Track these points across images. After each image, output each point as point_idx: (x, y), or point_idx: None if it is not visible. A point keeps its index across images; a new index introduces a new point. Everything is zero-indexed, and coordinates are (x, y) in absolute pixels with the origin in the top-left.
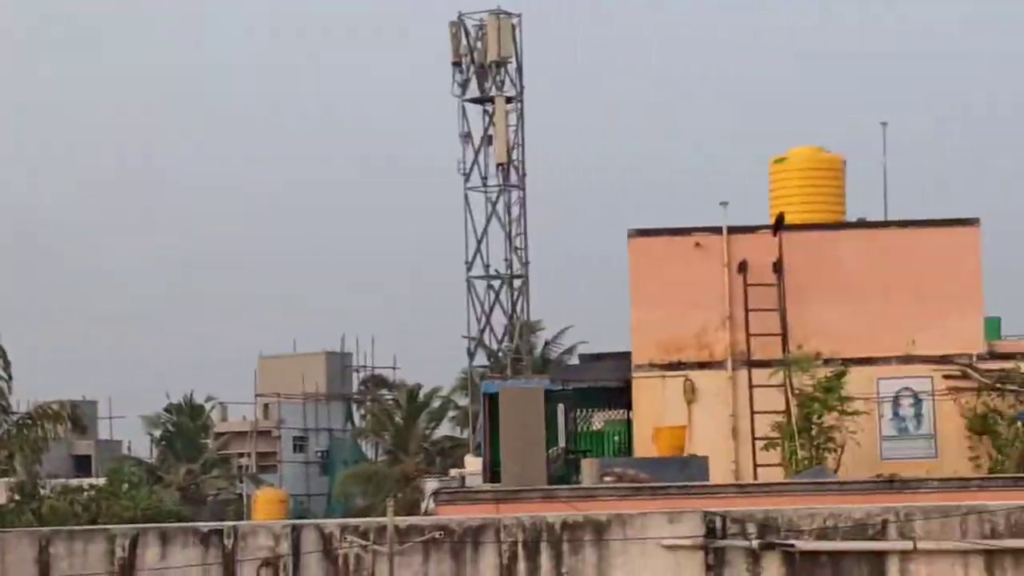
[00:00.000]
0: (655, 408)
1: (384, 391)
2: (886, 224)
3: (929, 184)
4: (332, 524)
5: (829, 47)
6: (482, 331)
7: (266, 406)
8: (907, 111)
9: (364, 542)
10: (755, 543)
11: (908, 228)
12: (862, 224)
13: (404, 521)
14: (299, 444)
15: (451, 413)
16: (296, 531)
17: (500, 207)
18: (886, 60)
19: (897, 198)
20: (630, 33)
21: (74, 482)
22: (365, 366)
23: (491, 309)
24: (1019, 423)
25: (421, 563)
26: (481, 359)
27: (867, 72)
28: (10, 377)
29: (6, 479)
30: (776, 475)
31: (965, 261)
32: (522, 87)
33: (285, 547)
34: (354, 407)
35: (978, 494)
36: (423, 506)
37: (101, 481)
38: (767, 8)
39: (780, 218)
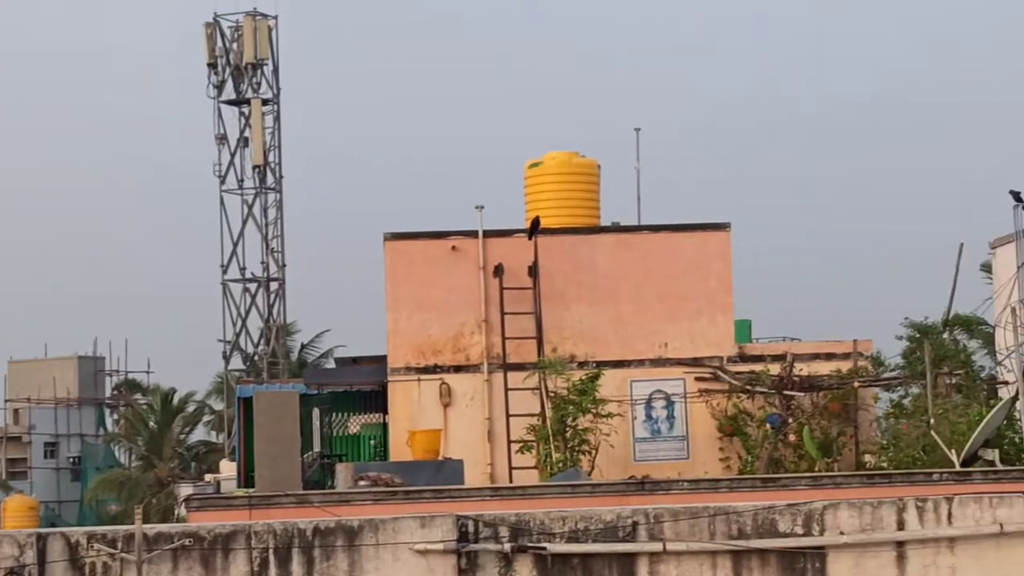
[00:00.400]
0: (411, 411)
1: (138, 396)
2: (639, 228)
3: (683, 189)
4: (79, 532)
5: (589, 50)
6: (238, 335)
7: (16, 411)
8: (660, 116)
9: (112, 550)
10: (507, 546)
11: (661, 232)
12: (616, 228)
13: (153, 528)
14: (50, 450)
15: (206, 417)
16: (42, 540)
17: (256, 210)
18: (640, 64)
19: (651, 203)
20: (388, 35)
21: None
22: (118, 370)
23: (247, 312)
24: (768, 425)
25: (170, 571)
26: (237, 363)
27: (622, 77)
28: None
29: None
30: (531, 478)
31: (716, 265)
32: (279, 89)
33: (30, 556)
34: (107, 412)
35: (728, 495)
36: (176, 512)
37: None
38: (537, 9)
39: (535, 222)
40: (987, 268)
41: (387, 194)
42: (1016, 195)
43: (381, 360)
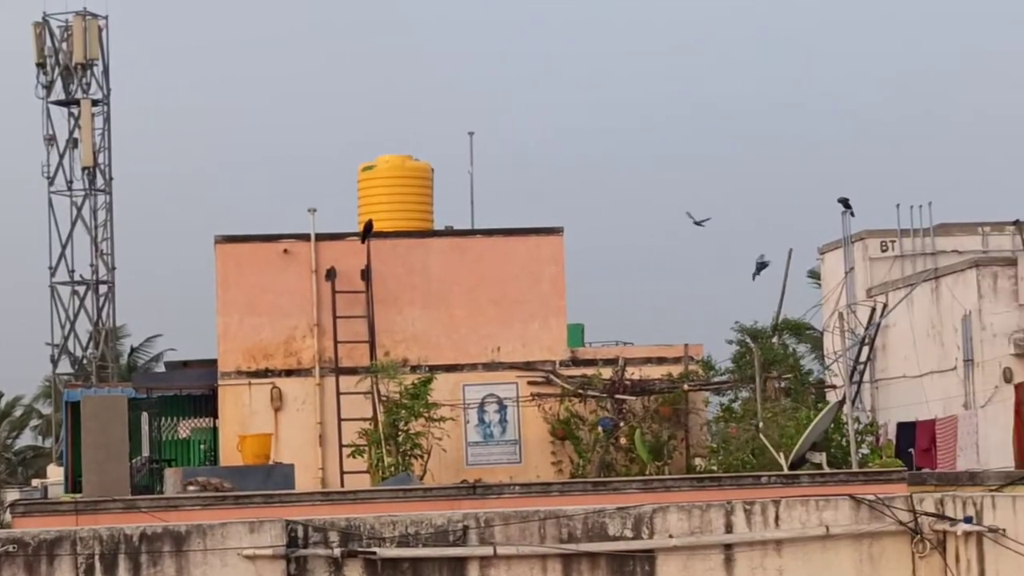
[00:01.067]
0: (241, 416)
1: None
2: (473, 232)
3: (517, 193)
4: None
5: (423, 52)
6: (66, 338)
7: None
8: (495, 120)
9: None
10: (337, 551)
11: (494, 236)
12: (449, 232)
13: None
14: None
15: (34, 422)
16: None
17: (86, 212)
18: (474, 68)
19: (485, 207)
20: (220, 38)
21: None
22: None
23: (76, 315)
24: (600, 428)
25: None
26: (65, 366)
27: (457, 80)
28: None
29: None
30: (363, 482)
31: (549, 269)
32: (109, 90)
33: None
34: None
35: (559, 499)
36: (1, 518)
37: None
38: (370, 13)
39: (368, 225)
40: (815, 274)
41: (219, 196)
42: (844, 202)
43: (212, 364)
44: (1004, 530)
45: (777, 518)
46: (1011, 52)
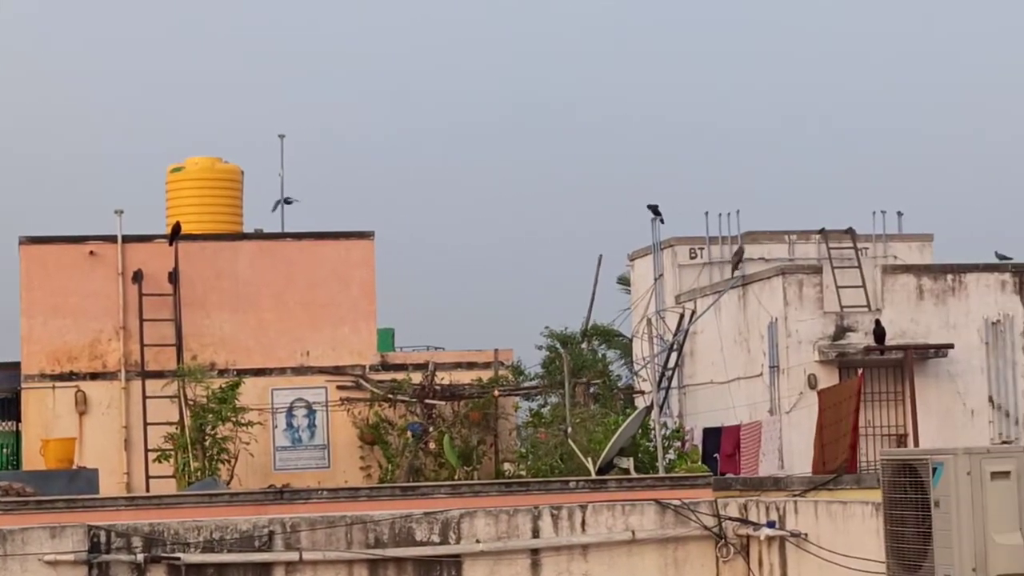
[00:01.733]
0: (45, 419)
1: None
2: (282, 236)
3: (328, 196)
4: None
5: (236, 54)
6: None
7: None
8: (306, 122)
9: None
10: (140, 557)
11: (304, 240)
12: (258, 235)
13: None
14: None
15: None
16: None
17: None
18: (286, 69)
19: (296, 210)
20: (24, 25)
21: None
22: None
23: None
24: (409, 433)
25: None
26: None
27: (267, 81)
28: None
29: None
30: (169, 487)
31: (360, 273)
32: None
33: None
34: None
35: (367, 503)
36: None
37: None
38: (177, 10)
39: (176, 227)
40: (625, 280)
41: (23, 195)
42: (654, 208)
43: (15, 367)
44: (806, 534)
45: (584, 523)
46: (808, 59)
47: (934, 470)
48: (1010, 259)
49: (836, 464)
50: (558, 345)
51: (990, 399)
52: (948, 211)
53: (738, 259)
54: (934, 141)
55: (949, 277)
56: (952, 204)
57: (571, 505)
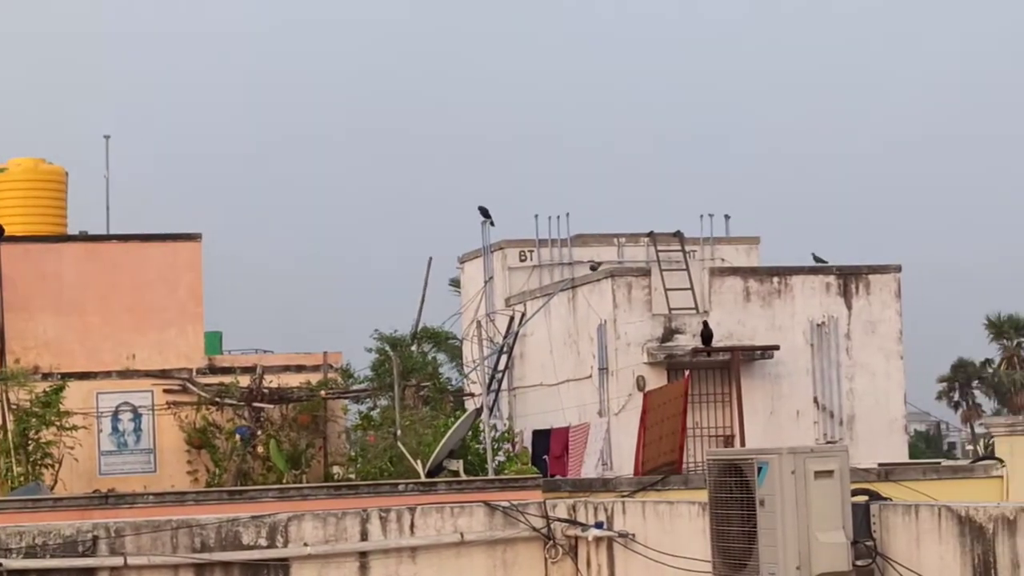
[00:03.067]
0: None
1: None
2: (108, 238)
3: (157, 199)
4: None
5: (54, 56)
6: None
7: None
8: (136, 124)
9: None
10: None
11: (130, 242)
12: (83, 237)
13: None
14: None
15: None
16: None
17: None
18: (115, 70)
19: (123, 212)
20: None
21: None
22: None
23: None
24: (237, 437)
25: None
26: None
27: (93, 82)
28: None
29: None
30: None
31: (187, 276)
32: None
33: None
34: None
35: (194, 508)
36: None
37: None
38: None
39: None
40: (456, 283)
41: None
42: (484, 211)
43: None
44: (633, 535)
45: (413, 525)
46: (634, 70)
47: (759, 470)
48: (825, 262)
49: (657, 464)
50: (388, 348)
51: (815, 400)
52: (774, 214)
53: (594, 269)
54: (762, 147)
55: (775, 279)
56: (778, 207)
57: (400, 508)
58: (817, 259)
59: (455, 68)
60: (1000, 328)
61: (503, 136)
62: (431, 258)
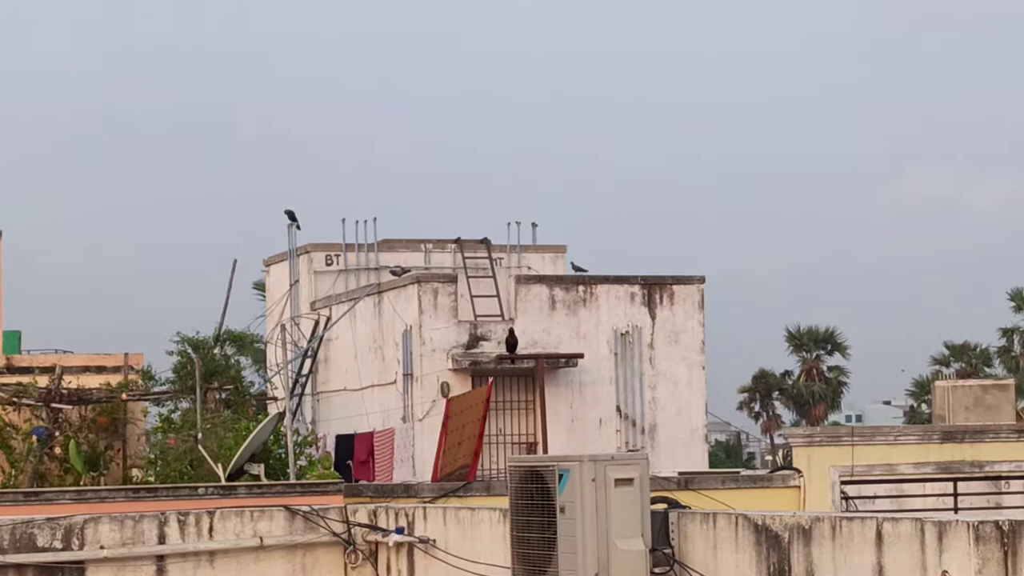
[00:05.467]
0: None
1: None
2: None
3: None
4: None
5: None
6: None
7: None
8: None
9: None
10: None
11: None
12: None
13: None
14: None
15: None
16: None
17: None
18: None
19: None
20: None
21: None
22: None
23: None
24: (34, 438)
25: None
26: None
27: None
28: None
29: None
30: None
31: None
32: None
33: None
34: None
35: None
36: None
37: None
38: None
39: None
40: (261, 286)
41: None
42: (291, 214)
43: None
44: (434, 540)
45: (211, 529)
46: (441, 91)
47: (560, 477)
48: (586, 270)
49: (452, 469)
50: (190, 350)
51: (618, 408)
52: (581, 224)
53: (397, 274)
54: (568, 157)
55: (580, 288)
56: (585, 217)
57: (199, 511)
58: (576, 268)
59: (265, 66)
60: (800, 341)
61: (311, 134)
62: (236, 260)
